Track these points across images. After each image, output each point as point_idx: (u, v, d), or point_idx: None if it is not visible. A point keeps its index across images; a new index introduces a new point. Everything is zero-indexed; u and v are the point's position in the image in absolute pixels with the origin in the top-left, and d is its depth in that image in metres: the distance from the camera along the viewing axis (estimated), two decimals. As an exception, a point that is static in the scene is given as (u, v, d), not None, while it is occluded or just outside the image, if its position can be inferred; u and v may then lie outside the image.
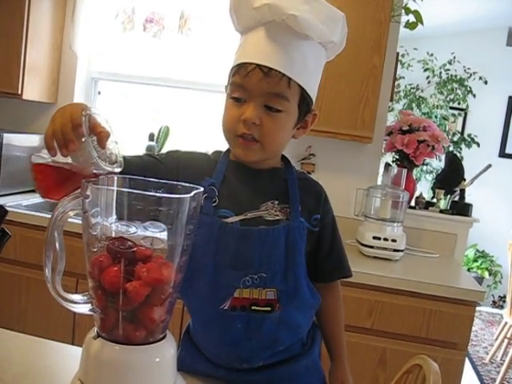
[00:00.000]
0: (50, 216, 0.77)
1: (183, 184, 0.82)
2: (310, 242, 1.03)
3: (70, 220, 0.78)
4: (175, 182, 0.83)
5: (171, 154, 1.04)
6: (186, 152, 1.06)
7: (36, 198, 2.52)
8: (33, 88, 2.60)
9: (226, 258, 0.96)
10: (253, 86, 0.93)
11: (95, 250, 0.78)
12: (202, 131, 2.82)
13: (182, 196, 0.76)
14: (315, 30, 0.92)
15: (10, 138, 2.46)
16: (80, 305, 0.80)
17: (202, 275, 0.97)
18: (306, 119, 1.03)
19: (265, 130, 0.94)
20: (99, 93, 2.94)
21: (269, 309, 0.98)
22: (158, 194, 0.75)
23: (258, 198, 1.00)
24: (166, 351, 0.82)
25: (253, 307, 0.97)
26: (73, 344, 1.11)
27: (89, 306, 0.80)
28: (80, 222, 0.79)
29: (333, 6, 0.97)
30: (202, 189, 0.81)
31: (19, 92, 2.51)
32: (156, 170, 0.97)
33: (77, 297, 0.80)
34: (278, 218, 0.99)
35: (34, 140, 2.65)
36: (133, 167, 0.90)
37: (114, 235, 0.78)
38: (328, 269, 1.11)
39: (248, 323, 0.97)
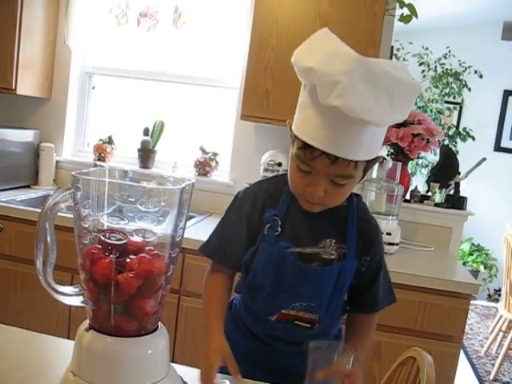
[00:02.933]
0: (42, 209, 0.77)
1: (175, 176, 0.82)
2: (356, 278, 1.10)
3: (65, 214, 0.78)
4: (167, 174, 0.83)
5: (239, 212, 1.10)
6: (247, 201, 1.10)
7: (30, 193, 2.52)
8: (26, 83, 2.59)
9: (282, 284, 1.06)
10: (319, 169, 0.94)
11: (87, 242, 0.78)
12: (197, 125, 2.81)
13: (171, 187, 0.76)
14: (388, 123, 0.90)
15: (4, 134, 2.46)
16: (72, 297, 0.80)
17: (260, 292, 1.09)
18: None
19: (329, 198, 0.99)
20: (93, 87, 2.93)
21: (309, 325, 1.09)
22: (148, 186, 0.75)
23: (318, 235, 1.07)
24: (159, 343, 0.82)
25: (295, 322, 1.09)
26: (68, 338, 1.11)
27: (80, 298, 0.80)
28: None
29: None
30: (193, 181, 0.80)
31: (13, 87, 2.49)
32: (244, 241, 1.09)
33: (68, 289, 0.80)
34: (332, 257, 1.06)
35: (28, 135, 2.65)
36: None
37: (105, 227, 0.78)
38: (363, 302, 1.15)
39: (288, 332, 1.10)
